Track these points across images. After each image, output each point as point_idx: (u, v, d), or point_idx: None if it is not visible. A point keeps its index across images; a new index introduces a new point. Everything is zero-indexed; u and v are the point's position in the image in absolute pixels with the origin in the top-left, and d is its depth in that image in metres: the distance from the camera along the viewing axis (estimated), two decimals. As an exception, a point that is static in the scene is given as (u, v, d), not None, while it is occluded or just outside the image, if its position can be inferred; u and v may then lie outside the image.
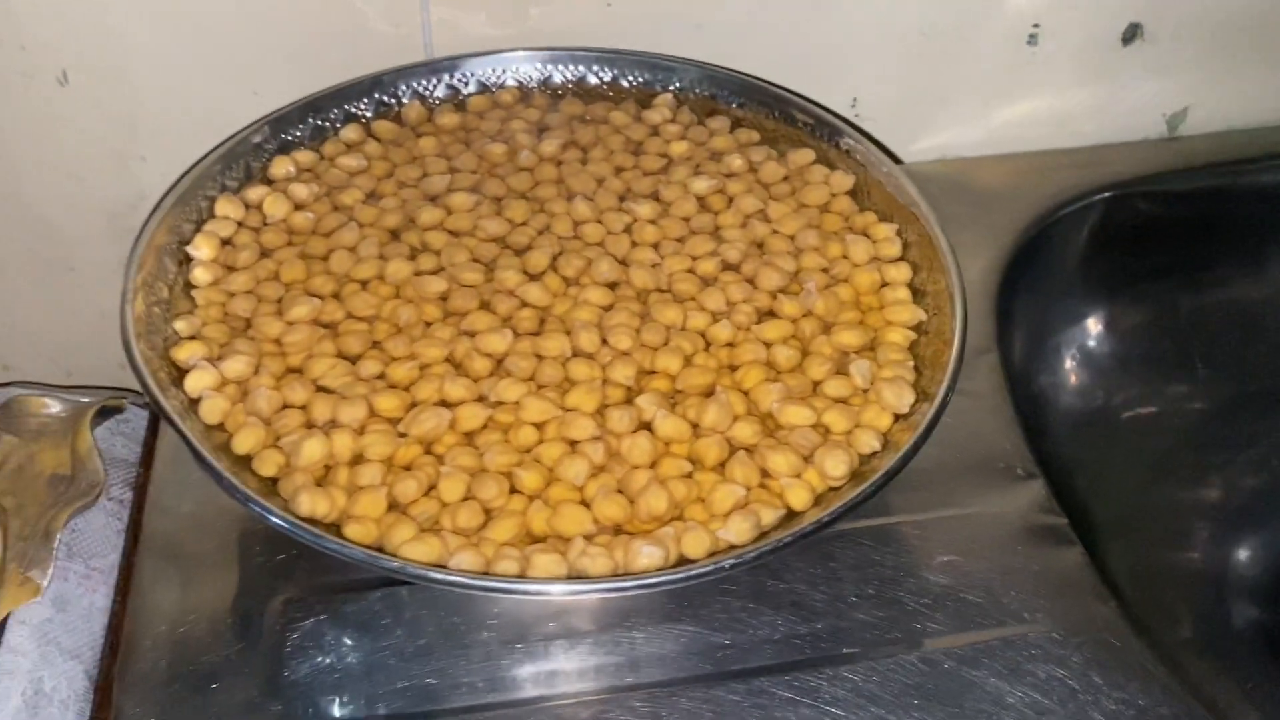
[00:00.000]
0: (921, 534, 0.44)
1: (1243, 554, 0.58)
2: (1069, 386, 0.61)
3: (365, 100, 0.52)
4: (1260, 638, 0.55)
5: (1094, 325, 0.62)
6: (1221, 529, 0.58)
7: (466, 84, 0.53)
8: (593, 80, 0.54)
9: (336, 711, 0.38)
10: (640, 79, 0.53)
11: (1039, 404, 0.60)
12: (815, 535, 0.34)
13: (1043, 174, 0.61)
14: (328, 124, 0.51)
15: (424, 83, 0.53)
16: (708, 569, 0.33)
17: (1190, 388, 0.63)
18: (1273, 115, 0.64)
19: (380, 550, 0.35)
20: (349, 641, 0.40)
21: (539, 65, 0.53)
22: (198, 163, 0.46)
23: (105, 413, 0.51)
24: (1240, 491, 0.61)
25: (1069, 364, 0.61)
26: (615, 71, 0.54)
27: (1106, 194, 0.60)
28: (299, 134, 0.50)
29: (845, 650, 0.40)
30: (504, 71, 0.54)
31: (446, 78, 0.53)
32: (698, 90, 0.53)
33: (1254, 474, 0.60)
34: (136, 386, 0.60)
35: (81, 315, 0.61)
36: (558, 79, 0.54)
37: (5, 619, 0.45)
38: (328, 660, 0.39)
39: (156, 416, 0.49)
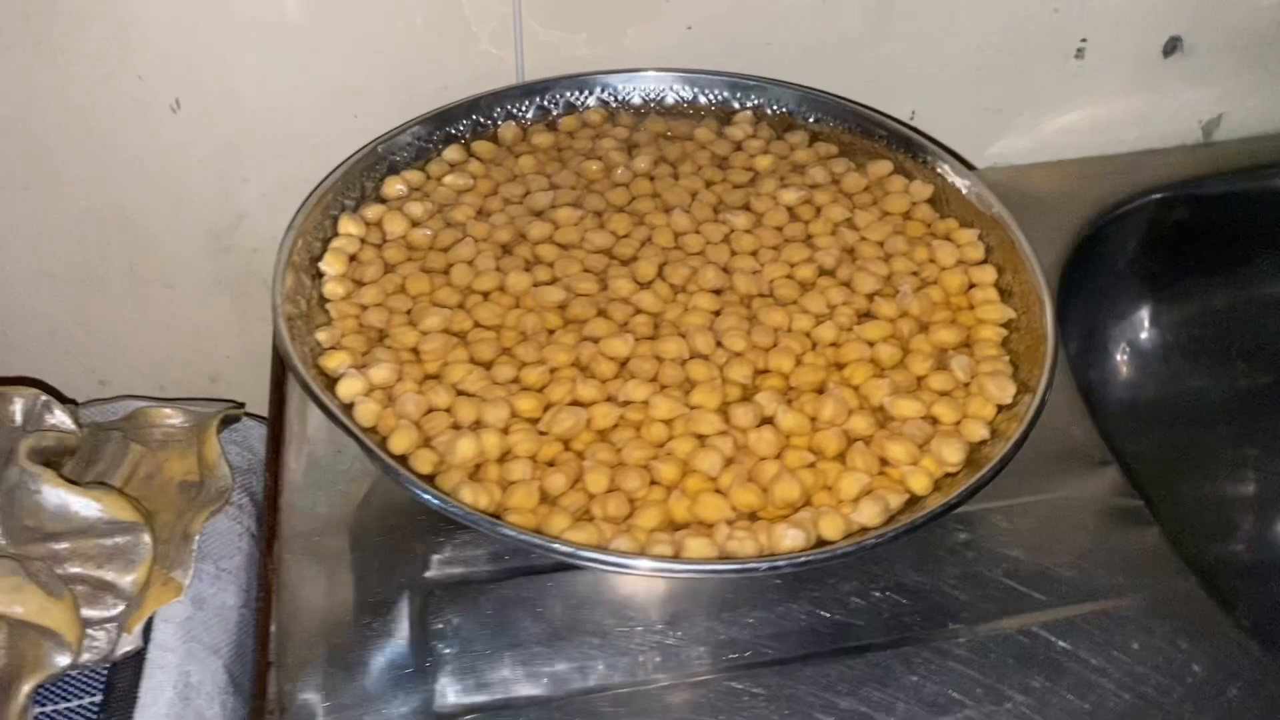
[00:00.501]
0: (1010, 519, 0.47)
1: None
2: (1120, 379, 0.64)
3: (464, 122, 0.55)
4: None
5: (1141, 321, 0.65)
6: (1269, 510, 0.62)
7: (556, 105, 0.56)
8: (670, 99, 0.57)
9: (476, 695, 0.41)
10: (719, 97, 0.57)
11: (1091, 397, 0.63)
12: (944, 516, 0.37)
13: (1089, 180, 0.65)
14: (430, 145, 0.54)
15: (517, 105, 0.56)
16: (851, 548, 0.36)
17: (1230, 380, 0.67)
18: (1302, 121, 0.68)
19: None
20: (481, 629, 0.43)
21: (622, 85, 0.56)
22: (322, 183, 0.49)
23: (225, 422, 0.54)
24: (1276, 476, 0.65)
25: (1119, 358, 0.65)
26: (695, 90, 0.57)
27: (1151, 198, 0.63)
28: (405, 155, 0.53)
29: (950, 626, 0.44)
30: (589, 93, 0.57)
31: (538, 99, 0.56)
32: (775, 107, 0.56)
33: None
34: (231, 399, 0.63)
35: (178, 331, 0.64)
36: (637, 100, 0.57)
37: (151, 618, 0.47)
38: (462, 647, 0.42)
39: (273, 427, 0.52)
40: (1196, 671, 0.42)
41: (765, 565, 0.35)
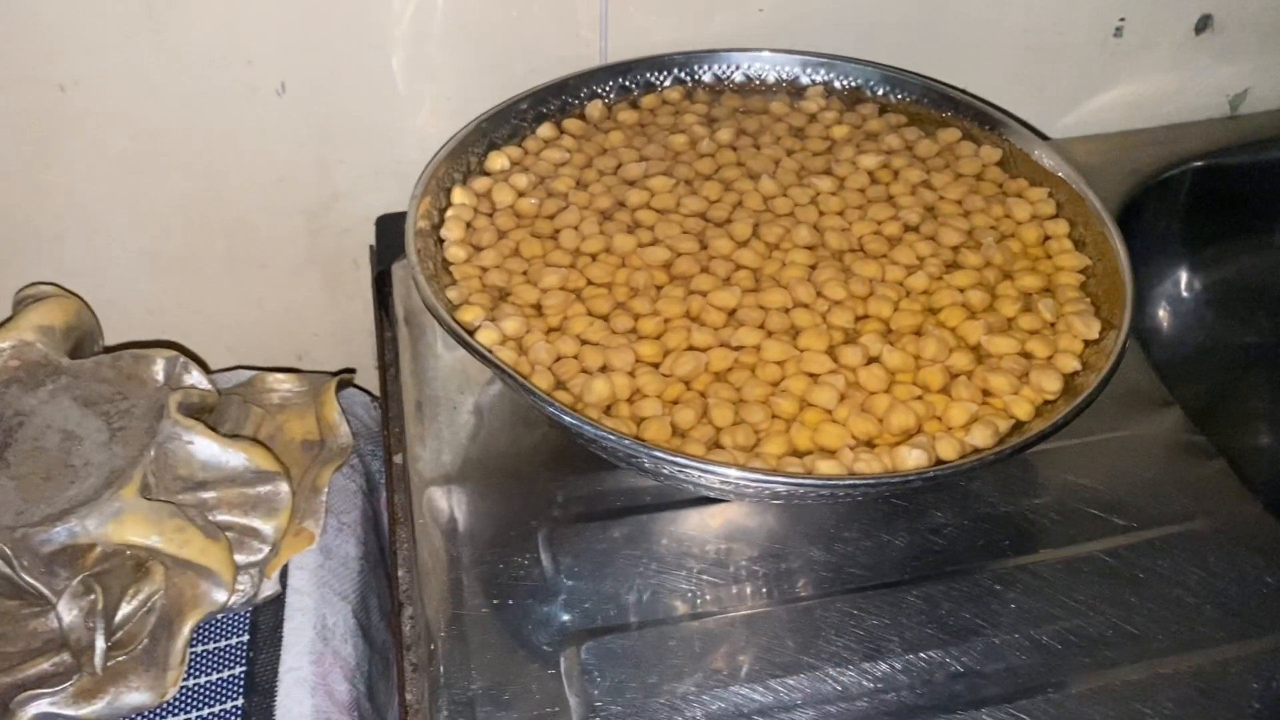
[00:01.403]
0: (1086, 455, 0.51)
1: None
2: (1164, 333, 0.68)
3: (555, 101, 0.58)
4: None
5: (1181, 280, 0.69)
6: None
7: (637, 85, 0.60)
8: (738, 77, 0.61)
9: (594, 620, 0.44)
10: (789, 73, 0.60)
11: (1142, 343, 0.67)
12: (1051, 436, 0.40)
13: (1126, 151, 0.69)
14: (524, 124, 0.57)
15: (601, 85, 0.59)
16: (973, 463, 0.39)
17: (1259, 333, 0.71)
18: (1322, 94, 0.72)
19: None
20: (602, 563, 0.46)
21: (697, 65, 0.60)
22: (438, 152, 0.52)
23: (339, 387, 0.57)
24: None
25: (1161, 314, 0.69)
26: (768, 66, 0.60)
27: (1187, 167, 0.67)
28: (502, 133, 0.56)
29: (1040, 550, 0.47)
30: (666, 73, 0.60)
31: (620, 79, 0.59)
32: (844, 80, 0.60)
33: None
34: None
35: (267, 310, 0.67)
36: (708, 79, 0.61)
37: (286, 565, 0.50)
38: (586, 578, 0.45)
39: (383, 382, 0.55)
40: (1269, 582, 0.46)
41: (899, 479, 0.39)
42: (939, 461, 0.41)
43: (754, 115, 0.59)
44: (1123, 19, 0.66)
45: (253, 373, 0.57)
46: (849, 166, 0.55)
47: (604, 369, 0.45)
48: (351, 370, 0.64)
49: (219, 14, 0.54)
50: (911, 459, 0.40)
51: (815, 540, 0.47)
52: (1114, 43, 0.67)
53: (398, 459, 0.51)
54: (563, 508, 0.48)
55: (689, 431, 0.43)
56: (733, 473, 0.39)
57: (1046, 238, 0.51)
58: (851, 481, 0.39)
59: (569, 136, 0.57)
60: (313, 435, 0.54)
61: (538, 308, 0.48)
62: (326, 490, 0.51)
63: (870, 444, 0.43)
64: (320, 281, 0.66)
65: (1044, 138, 0.58)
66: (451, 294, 0.48)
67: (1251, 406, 0.67)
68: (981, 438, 0.42)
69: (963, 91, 0.57)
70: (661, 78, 0.60)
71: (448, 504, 0.49)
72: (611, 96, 0.60)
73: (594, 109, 0.59)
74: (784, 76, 0.60)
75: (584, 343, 0.46)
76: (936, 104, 0.58)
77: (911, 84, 0.58)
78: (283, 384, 0.56)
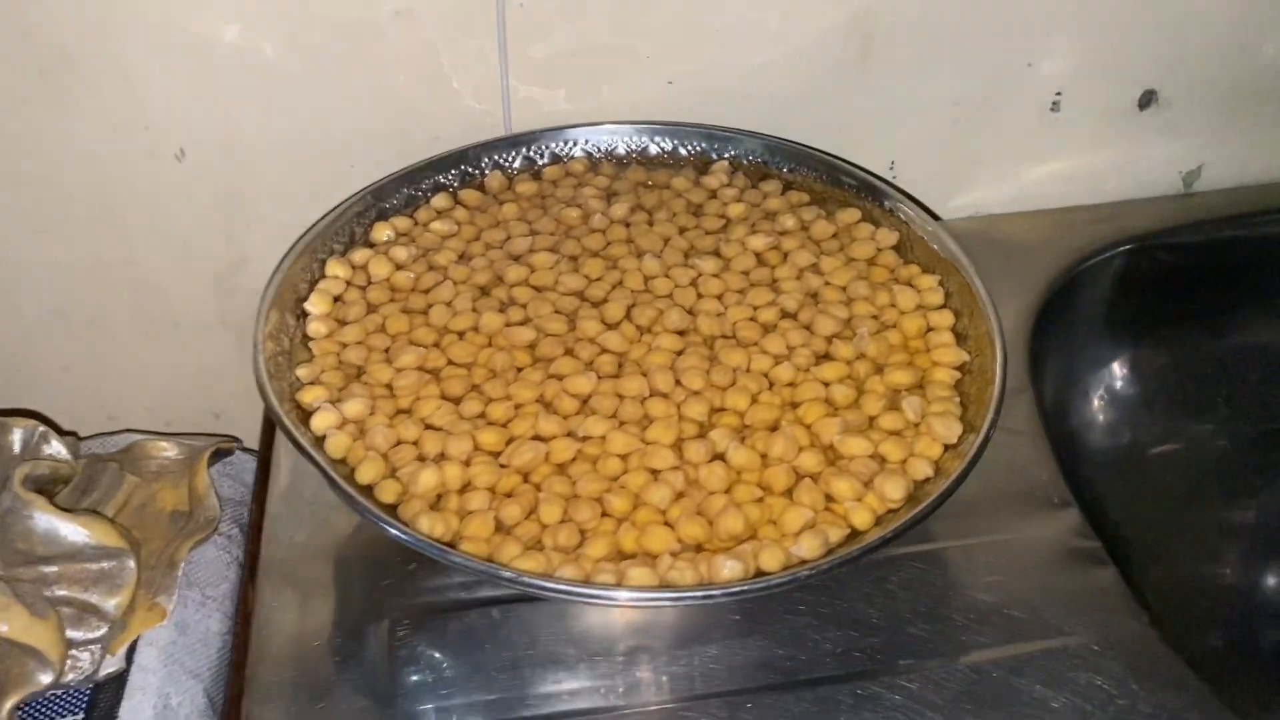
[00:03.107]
0: (967, 557, 0.48)
1: (1270, 580, 0.61)
2: (1099, 424, 0.65)
3: (453, 171, 0.57)
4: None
5: (1120, 367, 0.66)
6: (1248, 556, 0.62)
7: (541, 156, 0.59)
8: (654, 150, 0.59)
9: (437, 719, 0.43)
10: (698, 148, 0.59)
11: (1071, 441, 0.64)
12: (880, 549, 0.38)
13: (1068, 228, 0.66)
14: (420, 193, 0.57)
15: (504, 155, 0.58)
16: (785, 579, 0.37)
17: (1214, 426, 0.67)
18: (1282, 171, 0.69)
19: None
20: (449, 657, 0.44)
21: (606, 137, 0.59)
22: (310, 228, 0.52)
23: (217, 455, 0.56)
24: (1266, 524, 0.65)
25: (1097, 404, 0.65)
26: (675, 141, 0.59)
27: (1128, 246, 0.64)
28: (394, 202, 0.56)
29: (902, 661, 0.45)
30: (574, 144, 0.59)
31: (524, 150, 0.59)
32: (751, 157, 0.58)
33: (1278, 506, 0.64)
34: (230, 434, 0.65)
35: (183, 370, 0.67)
36: (621, 150, 0.59)
37: (135, 640, 0.49)
38: (430, 674, 0.43)
39: (263, 460, 0.54)
40: (1143, 711, 0.43)
41: (700, 594, 0.37)
42: (759, 573, 0.39)
43: (656, 190, 0.58)
44: (1059, 93, 0.63)
45: (137, 437, 0.57)
46: (737, 247, 0.53)
47: (440, 457, 0.44)
48: (234, 438, 0.63)
49: (112, 78, 0.55)
50: (726, 570, 0.38)
51: (670, 640, 0.45)
52: (1051, 116, 0.64)
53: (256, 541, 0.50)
54: (411, 597, 0.47)
55: (514, 528, 0.41)
56: (528, 580, 0.37)
57: (929, 329, 0.49)
58: (652, 595, 0.37)
59: (462, 208, 0.56)
60: (183, 506, 0.54)
61: (389, 388, 0.47)
62: (184, 565, 0.50)
63: (700, 548, 0.41)
64: (234, 342, 0.66)
65: (936, 218, 0.56)
66: (302, 372, 0.47)
67: (1169, 510, 0.64)
68: (809, 548, 0.39)
69: (866, 170, 0.55)
70: (568, 148, 0.59)
71: (297, 586, 0.48)
72: (515, 168, 0.59)
73: (494, 180, 0.58)
74: (692, 151, 0.59)
75: (428, 427, 0.45)
76: (839, 182, 0.56)
77: (815, 160, 0.57)
78: (162, 451, 0.55)
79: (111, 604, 0.47)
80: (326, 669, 0.44)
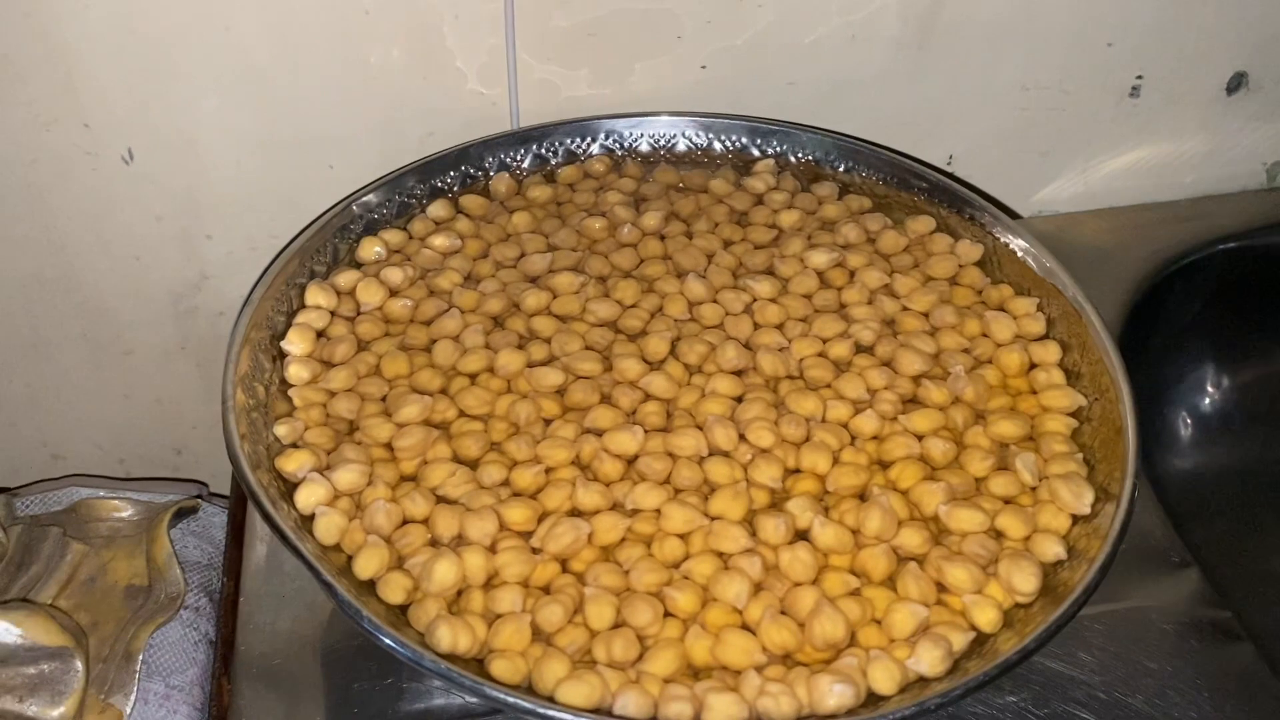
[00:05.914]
0: (1077, 633, 0.41)
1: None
2: (1181, 449, 0.58)
3: (452, 173, 0.49)
4: None
5: (1205, 385, 0.59)
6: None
7: (555, 154, 0.50)
8: (682, 146, 0.51)
9: None
10: (737, 143, 0.51)
11: (1152, 472, 0.57)
12: (1019, 665, 0.31)
13: (1146, 229, 0.58)
14: (413, 200, 0.48)
15: (511, 153, 0.50)
16: (910, 710, 0.29)
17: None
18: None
19: (533, 691, 0.31)
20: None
21: (630, 131, 0.51)
22: (286, 248, 0.43)
23: (179, 515, 0.48)
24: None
25: (1181, 426, 0.58)
26: (710, 136, 0.51)
27: (1215, 249, 0.57)
28: (385, 212, 0.47)
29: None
30: (591, 140, 0.51)
31: (535, 147, 0.50)
32: (799, 154, 0.50)
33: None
34: (194, 476, 0.56)
35: (137, 400, 0.58)
36: (645, 147, 0.51)
37: (86, 750, 0.41)
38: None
39: (234, 520, 0.46)
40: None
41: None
42: (871, 696, 0.31)
43: (691, 194, 0.49)
44: (1140, 76, 0.55)
45: (84, 493, 0.48)
46: (796, 265, 0.45)
47: (458, 541, 0.36)
48: (199, 483, 0.55)
49: (41, 66, 0.45)
50: (834, 697, 0.30)
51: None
52: (1130, 103, 0.56)
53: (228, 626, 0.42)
54: (414, 701, 0.39)
55: (555, 636, 0.33)
56: (585, 721, 0.29)
57: (1032, 365, 0.41)
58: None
59: (465, 218, 0.48)
60: (140, 579, 0.45)
61: (389, 448, 0.39)
62: (142, 655, 0.42)
63: (788, 657, 0.33)
64: (195, 369, 0.57)
65: (1015, 217, 0.48)
66: (281, 430, 0.38)
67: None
68: (930, 661, 0.32)
69: (940, 170, 0.48)
70: (586, 145, 0.51)
71: (278, 685, 0.39)
72: (524, 168, 0.50)
73: (500, 183, 0.49)
74: (730, 147, 0.51)
75: (440, 500, 0.37)
76: (907, 185, 0.48)
77: (878, 159, 0.49)
78: (114, 511, 0.47)
79: (55, 714, 0.39)
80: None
